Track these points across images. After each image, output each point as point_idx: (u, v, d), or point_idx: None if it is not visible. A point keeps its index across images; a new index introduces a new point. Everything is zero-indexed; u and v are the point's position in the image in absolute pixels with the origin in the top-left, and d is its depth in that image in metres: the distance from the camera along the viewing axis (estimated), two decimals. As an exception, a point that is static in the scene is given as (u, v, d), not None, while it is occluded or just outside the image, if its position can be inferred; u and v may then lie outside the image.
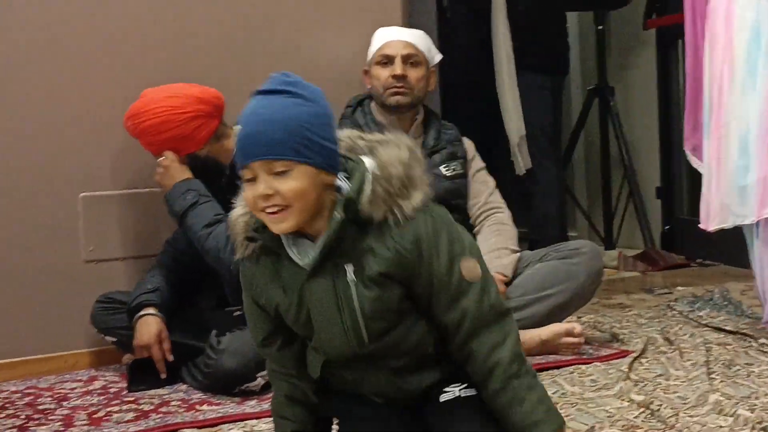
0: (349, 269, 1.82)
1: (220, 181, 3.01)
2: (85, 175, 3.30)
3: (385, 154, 1.83)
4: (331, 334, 1.87)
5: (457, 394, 1.90)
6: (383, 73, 3.29)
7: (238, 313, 3.03)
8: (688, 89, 3.42)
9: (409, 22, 3.72)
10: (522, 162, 4.61)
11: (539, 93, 4.84)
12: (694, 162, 3.38)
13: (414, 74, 3.29)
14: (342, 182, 1.83)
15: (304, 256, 1.84)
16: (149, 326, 2.96)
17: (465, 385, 1.90)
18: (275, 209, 1.76)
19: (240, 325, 2.90)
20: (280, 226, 1.79)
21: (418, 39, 3.35)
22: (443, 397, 1.91)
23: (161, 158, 3.05)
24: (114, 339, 3.15)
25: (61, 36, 3.26)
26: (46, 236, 3.25)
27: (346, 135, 1.91)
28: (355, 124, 3.28)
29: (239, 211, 1.90)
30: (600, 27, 5.41)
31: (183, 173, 3.04)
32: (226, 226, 2.81)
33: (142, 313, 2.98)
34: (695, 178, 4.76)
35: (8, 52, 3.20)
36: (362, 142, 1.89)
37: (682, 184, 5.29)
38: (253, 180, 1.77)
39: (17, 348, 3.22)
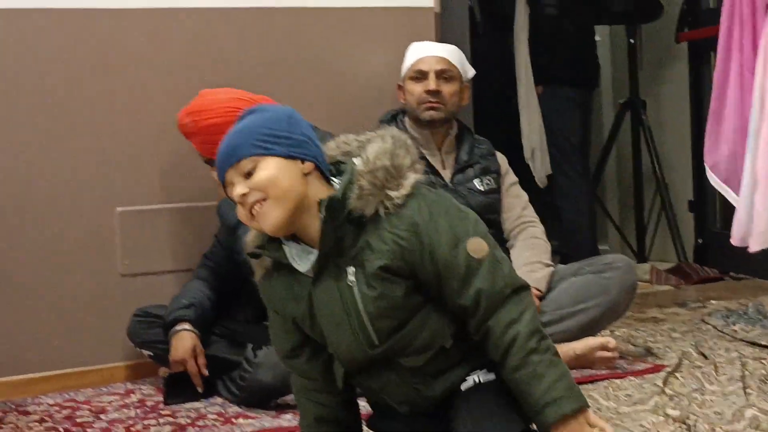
0: (350, 271, 1.83)
1: None
2: (122, 189, 3.33)
3: (370, 149, 1.85)
4: (340, 337, 1.87)
5: (477, 380, 1.89)
6: (417, 88, 3.30)
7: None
8: (714, 102, 3.37)
9: (442, 37, 3.73)
10: (536, 175, 4.63)
11: (568, 106, 4.84)
12: (713, 179, 3.32)
13: (447, 89, 3.30)
14: (336, 184, 1.87)
15: (305, 262, 1.86)
16: (184, 341, 2.97)
17: (485, 369, 1.88)
18: (257, 207, 1.80)
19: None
20: (267, 221, 1.81)
21: (452, 54, 3.37)
22: (464, 386, 1.90)
23: None
24: (150, 353, 3.16)
25: (100, 53, 3.30)
26: (82, 250, 3.28)
27: (341, 140, 1.94)
28: (390, 139, 3.29)
29: (252, 233, 1.94)
30: (632, 40, 5.40)
31: None
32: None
33: (177, 328, 2.99)
34: (729, 191, 4.74)
35: (46, 70, 3.24)
36: (356, 143, 1.91)
37: (715, 198, 5.26)
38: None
39: (55, 361, 3.25)
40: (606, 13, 5.18)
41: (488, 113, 4.59)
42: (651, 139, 5.26)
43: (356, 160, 1.86)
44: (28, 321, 3.23)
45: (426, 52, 3.36)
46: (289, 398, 2.80)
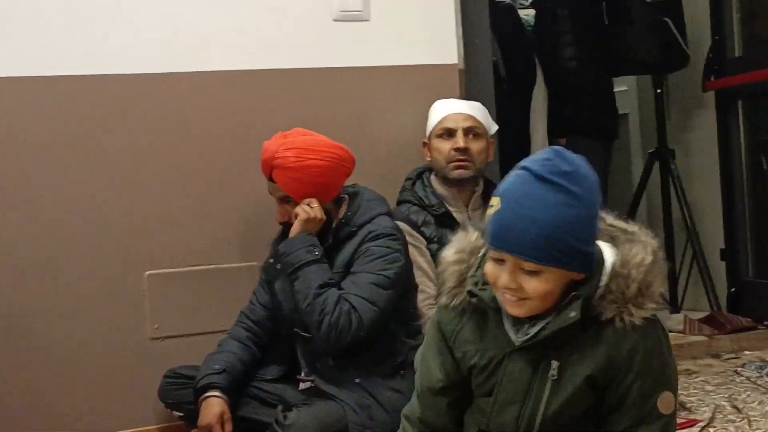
0: (554, 365, 1.78)
1: (325, 241, 3.01)
2: (151, 253, 3.34)
3: (630, 251, 1.79)
4: (504, 412, 1.84)
5: None
6: (445, 146, 3.31)
7: (305, 386, 3.02)
8: None
9: (467, 94, 3.72)
10: None
11: (591, 157, 4.82)
12: None
13: (475, 146, 3.31)
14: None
15: (517, 330, 1.81)
16: (212, 408, 2.93)
17: None
18: (514, 298, 1.74)
19: (306, 400, 2.90)
20: (515, 311, 1.76)
21: (477, 111, 3.38)
22: None
23: (310, 201, 2.99)
24: (181, 414, 3.15)
25: (127, 117, 3.33)
26: (112, 314, 3.30)
27: (611, 225, 1.88)
28: (416, 197, 3.31)
29: (453, 257, 1.87)
30: (658, 90, 5.39)
31: (318, 225, 3.02)
32: (337, 295, 2.77)
33: (207, 394, 2.96)
34: (760, 239, 4.70)
35: (73, 134, 3.28)
36: (603, 226, 1.84)
37: (747, 246, 5.22)
38: (500, 261, 1.74)
39: (86, 425, 3.25)
40: (631, 64, 5.17)
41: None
42: (680, 188, 5.23)
43: (608, 254, 1.80)
44: (58, 384, 3.23)
45: (452, 109, 3.37)
46: (320, 461, 2.78)
